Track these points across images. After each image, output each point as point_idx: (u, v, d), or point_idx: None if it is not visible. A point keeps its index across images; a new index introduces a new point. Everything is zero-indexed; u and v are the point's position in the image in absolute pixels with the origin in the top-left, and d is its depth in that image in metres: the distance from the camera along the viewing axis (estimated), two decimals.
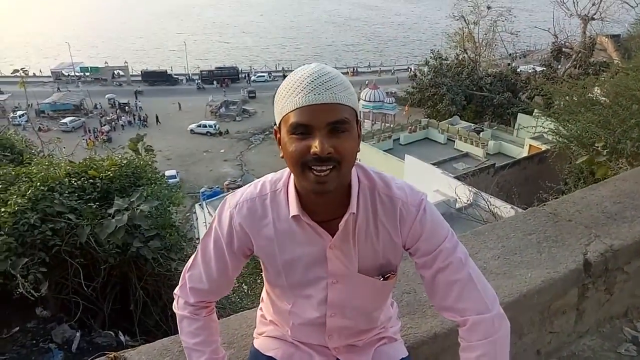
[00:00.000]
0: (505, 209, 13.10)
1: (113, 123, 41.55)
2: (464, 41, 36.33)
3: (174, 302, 1.25)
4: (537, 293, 1.75)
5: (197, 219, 16.25)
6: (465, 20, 36.19)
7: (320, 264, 1.12)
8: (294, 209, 1.06)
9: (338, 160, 0.95)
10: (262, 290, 1.35)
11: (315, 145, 0.93)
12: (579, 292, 1.97)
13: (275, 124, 1.04)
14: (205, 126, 39.76)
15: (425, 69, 35.94)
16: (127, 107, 45.25)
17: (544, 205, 2.41)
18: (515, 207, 12.86)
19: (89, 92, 47.67)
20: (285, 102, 0.97)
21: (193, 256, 1.21)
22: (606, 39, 31.73)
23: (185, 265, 1.23)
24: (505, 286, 1.72)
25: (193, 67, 59.27)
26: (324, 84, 0.95)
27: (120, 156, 3.80)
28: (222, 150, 36.71)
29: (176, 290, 1.24)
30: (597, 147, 5.61)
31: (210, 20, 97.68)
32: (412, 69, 47.44)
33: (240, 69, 57.78)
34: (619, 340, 2.14)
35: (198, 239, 5.12)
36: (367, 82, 40.11)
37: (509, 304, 1.64)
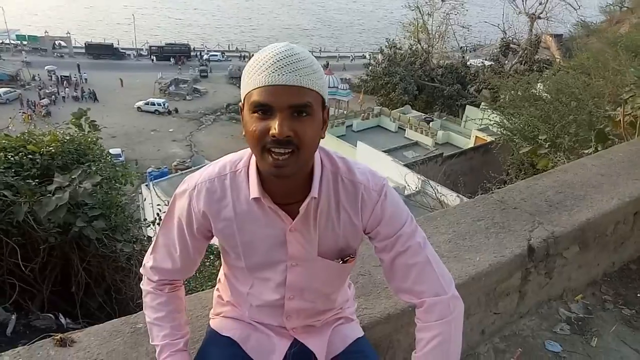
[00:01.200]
0: (451, 197, 13.62)
1: (53, 97, 39.19)
2: (418, 32, 36.93)
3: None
4: (485, 276, 1.83)
5: (144, 199, 15.74)
6: (420, 11, 36.75)
7: (280, 246, 1.11)
8: (254, 190, 1.04)
9: (297, 144, 0.93)
10: (217, 272, 1.33)
11: (275, 127, 0.91)
12: (522, 275, 2.07)
13: (241, 101, 1.01)
14: (154, 104, 38.33)
15: (380, 57, 36.29)
16: (69, 81, 42.78)
17: (493, 193, 2.51)
18: (461, 196, 13.41)
19: (26, 63, 44.66)
20: (250, 79, 0.94)
21: (155, 238, 1.21)
22: (550, 38, 33.24)
23: (150, 247, 1.22)
24: (455, 269, 1.78)
25: (142, 43, 56.76)
26: (290, 64, 0.92)
27: (62, 131, 3.60)
28: (170, 130, 35.61)
29: (141, 269, 1.23)
30: (540, 139, 5.89)
31: None
32: (367, 56, 47.79)
33: (192, 47, 55.93)
34: (555, 320, 2.27)
35: (145, 220, 4.96)
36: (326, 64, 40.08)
37: (459, 286, 1.66)
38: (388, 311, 1.56)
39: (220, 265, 1.30)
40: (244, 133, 0.99)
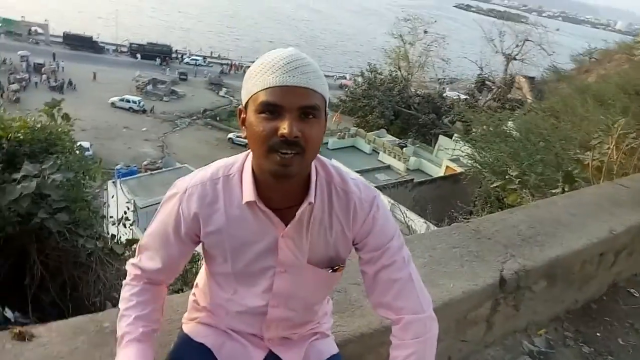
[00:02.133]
0: (419, 222, 13.81)
1: (24, 82, 37.92)
2: (399, 59, 37.83)
3: None
4: (457, 303, 1.83)
5: (111, 197, 15.34)
6: (402, 39, 37.72)
7: (271, 252, 1.10)
8: (249, 194, 1.03)
9: (303, 146, 0.94)
10: (192, 276, 1.28)
11: (284, 127, 0.91)
12: (492, 305, 2.08)
13: (241, 104, 1.01)
14: (129, 101, 37.62)
15: (360, 79, 36.86)
16: (42, 69, 41.53)
17: (468, 222, 2.54)
18: (428, 222, 13.63)
19: None
20: (257, 80, 0.95)
21: (142, 238, 1.18)
22: (523, 79, 34.50)
23: (137, 246, 1.19)
24: (429, 294, 1.77)
25: (122, 39, 55.84)
26: (300, 67, 0.94)
27: (33, 119, 3.47)
28: (144, 129, 34.94)
29: (126, 265, 1.20)
30: (510, 175, 6.06)
31: None
32: (347, 77, 48.34)
33: (174, 49, 55.39)
34: (519, 352, 2.30)
35: (111, 217, 4.80)
36: None
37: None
38: (361, 330, 1.54)
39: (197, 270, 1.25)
40: (244, 135, 0.99)
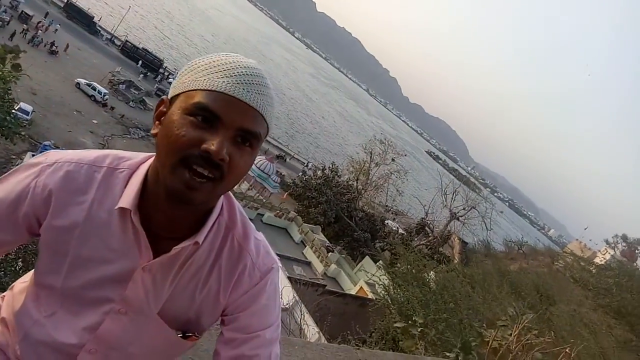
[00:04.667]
0: (313, 330, 13.41)
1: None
2: (361, 173, 39.44)
3: None
4: None
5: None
6: (371, 156, 39.65)
7: (119, 283, 0.85)
8: (127, 200, 0.81)
9: (225, 173, 0.76)
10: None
11: (213, 143, 0.73)
12: None
13: (166, 96, 0.83)
14: (95, 89, 36.29)
15: (319, 172, 37.79)
16: (28, 20, 40.06)
17: (359, 350, 2.39)
18: (321, 334, 13.29)
19: None
20: (200, 75, 0.77)
21: None
22: (457, 240, 36.48)
23: None
24: None
25: (122, 34, 55.67)
26: (259, 85, 0.77)
27: None
28: (94, 121, 33.48)
29: None
30: (416, 320, 6.05)
31: (163, 3, 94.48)
32: (309, 166, 49.44)
33: (165, 66, 55.45)
34: None
35: None
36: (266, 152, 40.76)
37: None
38: None
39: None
40: (155, 131, 0.80)
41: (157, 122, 0.81)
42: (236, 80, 0.75)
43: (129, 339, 0.89)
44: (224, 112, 0.74)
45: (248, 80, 0.76)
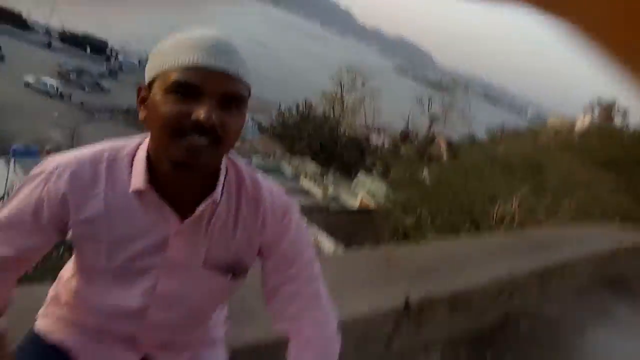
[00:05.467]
0: (328, 244, 14.47)
1: None
2: (335, 103, 39.39)
3: None
4: (361, 322, 1.89)
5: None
6: (341, 86, 39.45)
7: (157, 251, 0.93)
8: (138, 182, 0.86)
9: (221, 135, 0.80)
10: (59, 267, 1.09)
11: (201, 112, 0.77)
12: (394, 326, 2.18)
13: (143, 83, 0.87)
14: (46, 84, 34.80)
15: (294, 112, 37.54)
16: None
17: (380, 249, 2.68)
18: (337, 246, 14.27)
19: None
20: (171, 56, 0.80)
21: None
22: (442, 141, 37.23)
23: None
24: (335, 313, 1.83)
25: (59, 23, 52.39)
26: (228, 52, 0.81)
27: None
28: (55, 114, 32.40)
29: None
30: (422, 212, 6.54)
31: None
32: (282, 107, 48.95)
33: (111, 47, 52.54)
34: None
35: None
36: None
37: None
38: (256, 342, 1.46)
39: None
40: (142, 116, 0.85)
41: (141, 107, 0.86)
42: (207, 52, 0.80)
43: (185, 291, 0.98)
44: (204, 84, 0.79)
45: (218, 49, 0.80)
